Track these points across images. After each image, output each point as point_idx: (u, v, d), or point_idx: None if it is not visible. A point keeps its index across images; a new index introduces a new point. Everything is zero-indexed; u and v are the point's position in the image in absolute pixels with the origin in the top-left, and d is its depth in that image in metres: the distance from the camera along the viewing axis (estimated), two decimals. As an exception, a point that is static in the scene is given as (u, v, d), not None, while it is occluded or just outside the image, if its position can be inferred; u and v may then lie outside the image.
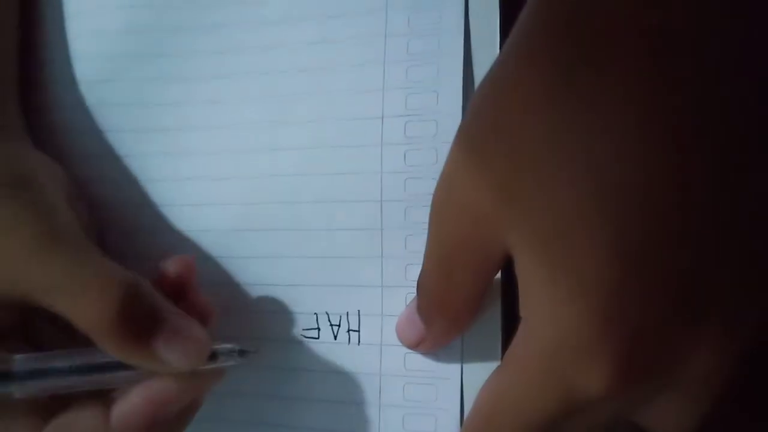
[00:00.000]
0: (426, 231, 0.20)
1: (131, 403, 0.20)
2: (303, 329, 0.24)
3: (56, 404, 0.21)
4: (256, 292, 0.25)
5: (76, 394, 0.21)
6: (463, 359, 0.22)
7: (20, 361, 0.20)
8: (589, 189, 0.15)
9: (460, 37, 0.23)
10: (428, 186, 0.23)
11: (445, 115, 0.23)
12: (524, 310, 0.18)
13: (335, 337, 0.24)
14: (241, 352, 0.22)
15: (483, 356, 0.22)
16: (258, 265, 0.25)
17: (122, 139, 0.27)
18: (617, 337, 0.16)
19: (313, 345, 0.24)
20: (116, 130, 0.27)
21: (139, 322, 0.20)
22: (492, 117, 0.17)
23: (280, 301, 0.24)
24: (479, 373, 0.22)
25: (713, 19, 0.15)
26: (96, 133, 0.27)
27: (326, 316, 0.24)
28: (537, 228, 0.16)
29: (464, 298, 0.20)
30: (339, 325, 0.24)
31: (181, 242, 0.26)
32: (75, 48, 0.28)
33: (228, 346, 0.22)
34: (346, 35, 0.25)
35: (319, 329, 0.24)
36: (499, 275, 0.22)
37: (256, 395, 0.24)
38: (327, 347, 0.24)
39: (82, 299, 0.20)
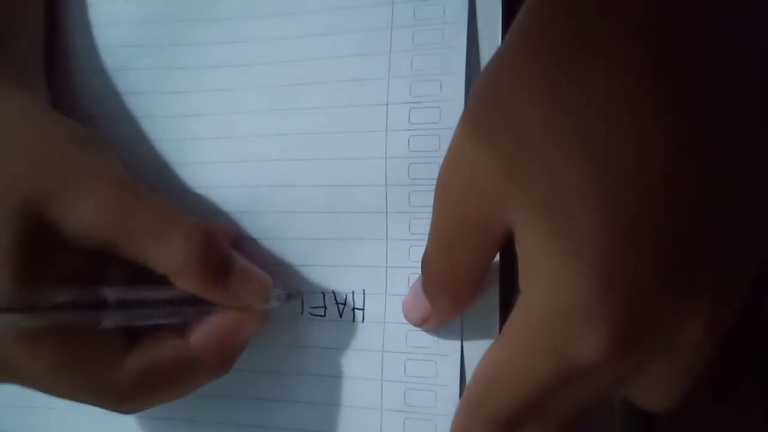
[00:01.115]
0: (429, 214, 0.21)
1: (207, 330, 0.23)
2: (310, 307, 0.25)
3: (132, 334, 0.22)
4: (266, 272, 0.25)
5: (148, 327, 0.23)
6: (462, 336, 0.23)
7: (111, 291, 0.21)
8: (586, 163, 0.16)
9: (464, 29, 0.24)
10: (431, 171, 0.24)
11: (447, 102, 0.24)
12: (523, 282, 0.18)
13: (340, 315, 0.25)
14: (288, 296, 0.25)
15: (482, 333, 0.23)
16: (267, 246, 0.26)
17: (133, 126, 0.28)
18: (614, 302, 0.16)
19: (320, 322, 0.25)
20: (128, 117, 0.28)
21: (218, 262, 0.22)
22: (495, 99, 0.18)
23: (289, 281, 0.25)
24: (478, 349, 0.23)
25: (712, 15, 0.16)
26: (107, 120, 0.28)
27: (333, 295, 0.25)
28: (537, 201, 0.17)
29: (465, 274, 0.21)
30: (345, 304, 0.25)
31: None
32: (90, 38, 0.29)
33: (277, 290, 0.24)
34: (353, 27, 0.26)
35: (325, 307, 0.25)
36: (497, 258, 0.23)
37: (263, 371, 0.25)
38: (332, 325, 0.25)
39: (170, 242, 0.21)
